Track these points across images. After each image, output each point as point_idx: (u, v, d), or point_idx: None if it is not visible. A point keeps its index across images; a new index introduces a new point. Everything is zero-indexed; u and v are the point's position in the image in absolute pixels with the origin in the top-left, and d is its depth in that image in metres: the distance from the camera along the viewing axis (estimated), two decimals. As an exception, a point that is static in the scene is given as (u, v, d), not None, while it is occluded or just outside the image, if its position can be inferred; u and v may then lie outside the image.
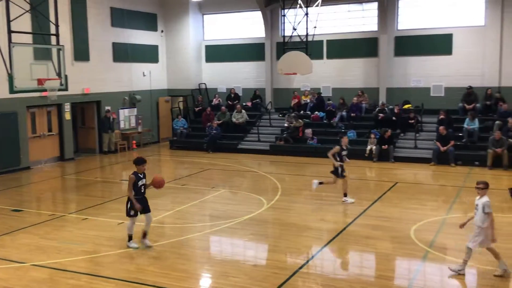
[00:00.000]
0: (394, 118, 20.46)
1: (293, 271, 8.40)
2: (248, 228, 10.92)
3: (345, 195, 13.02)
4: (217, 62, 26.03)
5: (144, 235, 9.59)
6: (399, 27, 22.32)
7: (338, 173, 12.91)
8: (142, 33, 24.37)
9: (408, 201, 13.45)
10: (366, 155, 19.24)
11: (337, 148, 12.98)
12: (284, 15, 22.48)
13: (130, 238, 9.63)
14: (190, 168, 18.49)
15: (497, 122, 18.59)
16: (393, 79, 22.42)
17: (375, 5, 22.46)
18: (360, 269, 8.74)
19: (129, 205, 9.40)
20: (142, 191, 9.47)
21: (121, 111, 23.17)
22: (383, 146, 19.08)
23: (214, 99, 25.46)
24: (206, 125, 23.16)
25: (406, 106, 21.23)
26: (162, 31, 25.69)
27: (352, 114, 21.71)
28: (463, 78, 20.84)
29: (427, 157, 18.54)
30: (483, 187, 8.42)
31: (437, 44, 21.44)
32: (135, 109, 23.90)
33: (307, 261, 8.96)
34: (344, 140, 13.25)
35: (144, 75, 24.52)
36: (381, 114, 20.73)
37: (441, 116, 19.44)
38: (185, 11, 25.47)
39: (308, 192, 14.82)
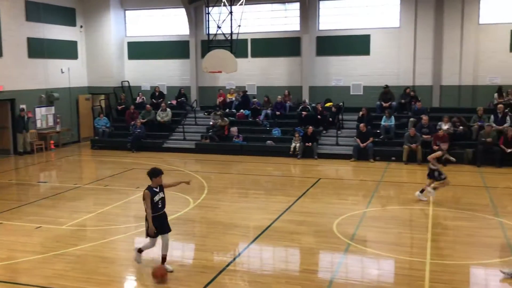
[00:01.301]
0: (319, 116, 21.01)
1: (220, 269, 8.41)
2: (174, 228, 10.74)
3: (422, 191, 12.87)
4: (141, 60, 25.47)
5: (163, 260, 8.28)
6: (321, 28, 22.96)
7: (435, 176, 12.80)
8: (60, 28, 23.31)
9: (331, 196, 13.89)
10: (290, 152, 19.63)
11: (439, 153, 13.27)
12: (208, 13, 22.38)
13: (140, 250, 8.47)
14: (113, 168, 17.96)
15: (411, 119, 19.64)
16: (315, 78, 23.03)
17: (297, 5, 22.95)
18: (285, 264, 8.90)
19: (147, 225, 8.17)
20: (160, 206, 8.21)
21: (37, 109, 22.05)
22: (306, 144, 19.55)
23: (138, 97, 24.89)
24: (129, 124, 22.60)
25: (328, 104, 21.88)
26: (81, 27, 24.72)
27: (277, 113, 22.06)
28: (380, 78, 21.82)
29: (348, 153, 19.23)
30: None
31: (356, 44, 22.28)
32: (53, 107, 22.84)
33: (234, 259, 9.01)
34: (443, 146, 14.95)
35: (62, 72, 23.48)
36: (304, 112, 21.23)
37: (362, 113, 20.22)
38: (105, 6, 24.66)
39: (235, 190, 14.91)
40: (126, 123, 23.06)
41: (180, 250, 9.70)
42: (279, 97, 22.44)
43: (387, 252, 9.15)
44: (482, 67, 20.82)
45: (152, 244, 8.36)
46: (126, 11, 25.65)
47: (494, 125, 18.18)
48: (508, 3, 20.38)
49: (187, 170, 17.58)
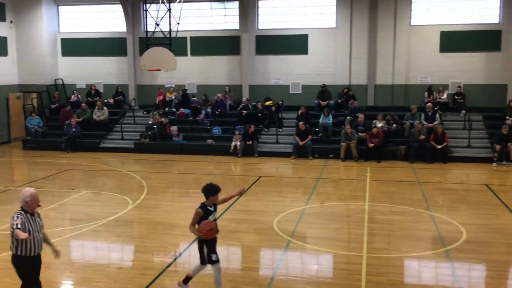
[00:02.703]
0: (260, 114, 21.15)
1: (160, 270, 8.30)
2: (113, 230, 10.54)
3: None
4: (75, 57, 24.64)
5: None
6: (260, 27, 23.12)
7: None
8: (-13, 22, 22.16)
9: (271, 194, 14.04)
10: (231, 151, 19.66)
11: None
12: (146, 10, 22.00)
13: (188, 279, 7.41)
14: (47, 170, 17.27)
15: (348, 117, 20.19)
16: (255, 77, 23.18)
17: (236, 4, 22.99)
18: (227, 263, 8.91)
19: (206, 250, 7.06)
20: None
21: (-37, 108, 20.85)
22: (247, 142, 19.64)
23: (73, 96, 24.06)
24: (64, 123, 21.82)
25: (267, 103, 22.09)
26: (11, 22, 23.57)
27: (218, 110, 22.01)
28: (318, 77, 22.27)
29: (288, 151, 19.50)
30: None
31: (294, 44, 22.62)
32: (-19, 106, 21.68)
33: (175, 259, 8.92)
34: None
35: (-10, 69, 22.33)
36: (244, 111, 21.32)
37: (301, 111, 20.56)
38: (37, 1, 23.65)
39: (176, 190, 14.77)
40: (60, 122, 22.24)
41: (118, 253, 9.49)
42: (219, 95, 22.42)
43: (326, 248, 9.37)
44: (413, 67, 21.73)
45: (218, 270, 7.21)
46: (60, 6, 24.73)
47: (424, 122, 19.02)
48: (438, 6, 21.37)
49: (126, 170, 17.20)
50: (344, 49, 22.11)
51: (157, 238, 10.00)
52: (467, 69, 21.16)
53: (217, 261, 7.11)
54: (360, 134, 18.97)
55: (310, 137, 19.35)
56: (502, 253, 9.08)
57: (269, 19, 23.04)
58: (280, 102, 21.83)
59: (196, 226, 7.00)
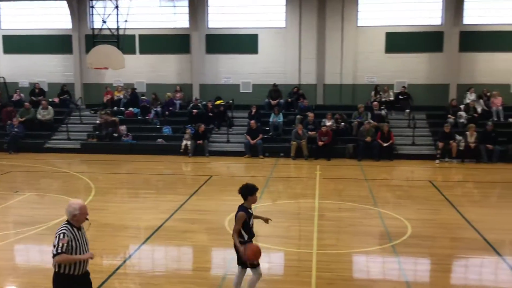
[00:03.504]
0: (210, 113, 21.06)
1: (109, 273, 8.11)
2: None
3: None
4: (18, 54, 23.74)
5: None
6: (210, 26, 23.03)
7: None
8: None
9: (223, 193, 14.00)
10: (181, 150, 19.49)
11: None
12: (92, 7, 21.47)
13: None
14: (-12, 172, 16.55)
15: (298, 116, 20.45)
16: (205, 76, 23.08)
17: (185, 2, 22.80)
18: (178, 264, 8.83)
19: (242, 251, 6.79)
20: (253, 231, 6.94)
21: None
22: (198, 141, 19.52)
23: (15, 95, 23.18)
24: (6, 123, 20.95)
25: (218, 102, 22.04)
26: None
27: (169, 110, 21.77)
28: (269, 76, 22.44)
29: (240, 150, 19.53)
30: None
31: (244, 43, 22.68)
32: None
33: (124, 261, 8.74)
34: None
35: None
36: (195, 110, 21.18)
37: (253, 110, 20.62)
38: (-24, -5, 22.64)
39: (124, 191, 14.49)
40: (2, 122, 21.35)
41: (65, 256, 9.18)
42: (169, 94, 22.17)
43: (277, 245, 9.44)
44: (360, 67, 22.26)
45: (243, 275, 7.00)
46: (1, 2, 23.72)
47: (371, 121, 19.52)
48: (383, 8, 21.97)
49: (72, 171, 16.72)
50: (294, 48, 22.36)
51: (106, 240, 9.76)
52: (411, 69, 21.90)
53: (257, 264, 6.79)
54: (310, 132, 19.25)
55: (261, 136, 19.45)
56: (445, 247, 9.45)
57: (219, 18, 22.99)
58: (231, 101, 21.83)
59: (242, 246, 6.72)
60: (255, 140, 19.29)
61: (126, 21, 20.79)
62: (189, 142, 19.57)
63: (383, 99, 21.10)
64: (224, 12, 22.94)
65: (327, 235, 10.16)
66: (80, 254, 5.49)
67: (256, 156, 19.20)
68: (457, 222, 10.94)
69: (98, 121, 21.17)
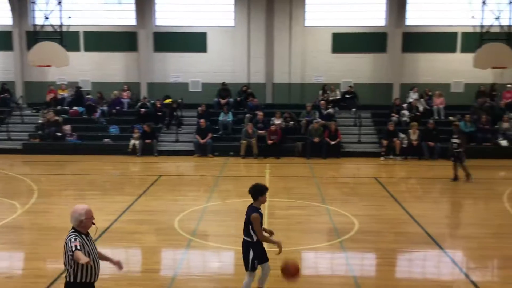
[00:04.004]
0: (159, 112, 20.78)
1: (54, 277, 7.86)
2: (0, 237, 9.80)
3: None
4: (-47, 50, 22.55)
5: None
6: (157, 23, 22.71)
7: None
8: None
9: (172, 193, 13.88)
10: (129, 150, 19.14)
11: None
12: (33, 2, 20.70)
13: None
14: None
15: (247, 115, 20.51)
16: (153, 74, 22.75)
17: (132, -1, 22.40)
18: (126, 266, 8.61)
19: (252, 255, 6.73)
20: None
21: None
22: (146, 141, 19.22)
23: (-49, 93, 22.01)
24: None
25: (167, 101, 21.78)
26: None
27: (117, 108, 21.31)
28: (218, 75, 22.38)
29: (189, 149, 19.39)
30: None
31: (193, 41, 22.52)
32: None
33: (70, 265, 8.48)
34: None
35: None
36: (143, 109, 20.84)
37: (202, 109, 20.50)
38: None
39: (70, 192, 14.09)
40: None
41: (7, 261, 8.85)
42: (116, 92, 21.72)
43: (227, 245, 9.45)
44: (308, 67, 22.59)
45: (253, 279, 6.90)
46: None
47: (320, 120, 19.86)
48: (329, 9, 22.37)
49: (13, 173, 16.06)
50: (243, 47, 22.41)
51: (50, 244, 9.45)
52: (357, 69, 22.44)
53: (255, 269, 6.82)
54: (259, 131, 19.35)
55: (210, 135, 19.38)
56: (390, 242, 9.75)
57: (167, 15, 22.71)
58: (180, 100, 21.62)
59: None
60: (204, 139, 19.20)
61: (69, 17, 20.18)
62: (137, 142, 19.23)
63: (330, 98, 21.51)
64: (172, 10, 22.67)
65: (276, 233, 10.14)
66: (93, 261, 5.20)
67: (205, 155, 19.12)
68: (401, 217, 11.32)
69: (40, 121, 20.43)
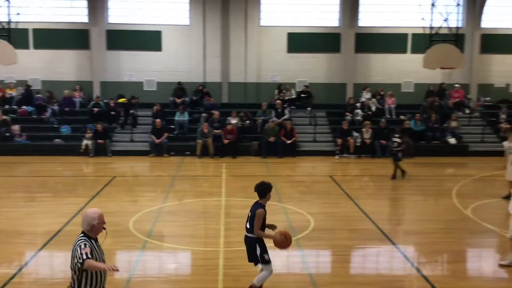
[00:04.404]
0: (113, 112, 20.38)
1: (3, 283, 7.58)
2: None
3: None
4: None
5: None
6: (110, 21, 22.26)
7: None
8: None
9: (127, 194, 13.66)
10: (81, 150, 18.68)
11: None
12: (-21, -3, 19.86)
13: None
14: None
15: (203, 114, 20.41)
16: (107, 73, 22.29)
17: (84, -4, 21.85)
18: (79, 269, 8.45)
19: (259, 250, 6.89)
20: (264, 228, 6.97)
21: None
22: (99, 141, 18.81)
23: None
24: None
25: (120, 100, 21.39)
26: None
27: (68, 107, 20.75)
28: (173, 74, 22.16)
29: (145, 149, 19.11)
30: None
31: (148, 40, 22.21)
32: None
33: (20, 269, 8.21)
34: None
35: None
36: (96, 108, 20.38)
37: (156, 109, 20.25)
38: None
39: (19, 194, 13.64)
40: None
41: (-49, 268, 8.45)
42: (67, 91, 21.15)
43: (183, 245, 9.38)
44: (264, 66, 22.71)
45: (271, 270, 7.02)
46: None
47: (275, 119, 20.00)
48: (284, 9, 22.55)
49: (-42, 175, 15.38)
50: (198, 46, 22.28)
51: (-1, 248, 9.12)
52: (312, 68, 22.73)
53: (270, 261, 6.95)
54: (215, 131, 19.30)
55: (166, 134, 19.17)
56: (344, 239, 9.93)
57: (120, 13, 22.29)
58: (136, 99, 21.25)
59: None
60: (160, 139, 18.98)
61: (18, 14, 19.49)
62: (89, 142, 18.79)
63: (286, 98, 21.69)
64: (126, 7, 22.28)
65: (233, 232, 10.26)
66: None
67: (161, 155, 18.90)
68: (355, 214, 11.55)
69: (-13, 121, 19.65)
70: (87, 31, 21.98)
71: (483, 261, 9.10)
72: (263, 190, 6.99)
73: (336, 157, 19.03)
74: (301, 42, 22.57)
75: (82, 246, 4.90)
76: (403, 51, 22.75)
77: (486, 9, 22.33)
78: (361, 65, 22.89)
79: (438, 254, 9.22)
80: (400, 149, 15.01)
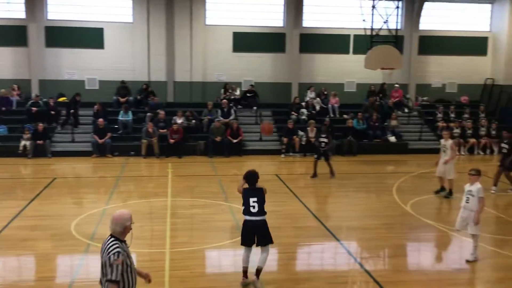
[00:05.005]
0: (53, 111, 19.68)
1: None
2: None
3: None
4: None
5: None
6: (49, 17, 21.49)
7: None
8: None
9: (68, 196, 13.25)
10: (20, 151, 17.94)
11: None
12: None
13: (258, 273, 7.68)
14: None
15: (148, 114, 20.09)
16: (46, 71, 21.51)
17: (21, -9, 20.97)
18: (18, 275, 8.12)
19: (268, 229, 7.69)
20: None
21: None
22: (38, 141, 18.12)
23: None
24: None
25: (61, 99, 20.69)
26: None
27: (3, 108, 19.86)
28: (116, 72, 21.67)
29: (87, 150, 18.58)
30: (475, 174, 8.61)
31: (89, 37, 21.61)
32: None
33: (-48, 278, 7.79)
34: None
35: None
36: (34, 108, 19.62)
37: (98, 108, 19.72)
38: None
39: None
40: None
41: None
42: (3, 90, 20.24)
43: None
44: (210, 65, 22.62)
45: (249, 253, 7.73)
46: None
47: (221, 118, 19.97)
48: (230, 8, 22.55)
49: None
50: (143, 45, 21.90)
51: None
52: (258, 68, 22.88)
53: (267, 243, 7.65)
54: (161, 130, 19.05)
55: (109, 134, 18.73)
56: (290, 236, 10.06)
57: (60, 9, 21.55)
58: (79, 95, 20.58)
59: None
60: (103, 139, 18.51)
61: None
62: (28, 143, 18.06)
63: (232, 97, 21.70)
64: (65, 3, 21.55)
65: (180, 233, 10.18)
66: (132, 272, 4.90)
67: (104, 156, 18.45)
68: (301, 212, 11.73)
69: None
70: (24, 28, 21.10)
71: (422, 255, 9.47)
72: (254, 178, 7.61)
73: (282, 155, 19.24)
74: (247, 41, 22.65)
75: (115, 257, 4.76)
76: (346, 51, 23.30)
77: (424, 12, 23.25)
78: (305, 65, 23.25)
79: (380, 249, 9.52)
80: (327, 148, 15.44)
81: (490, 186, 13.52)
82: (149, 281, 5.41)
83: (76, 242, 9.41)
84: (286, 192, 13.67)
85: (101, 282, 4.96)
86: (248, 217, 7.49)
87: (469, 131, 20.87)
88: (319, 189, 14.83)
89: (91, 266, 8.47)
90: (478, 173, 8.67)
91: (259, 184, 7.67)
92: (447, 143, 13.06)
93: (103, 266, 4.81)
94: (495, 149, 20.18)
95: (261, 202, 7.45)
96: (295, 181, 15.32)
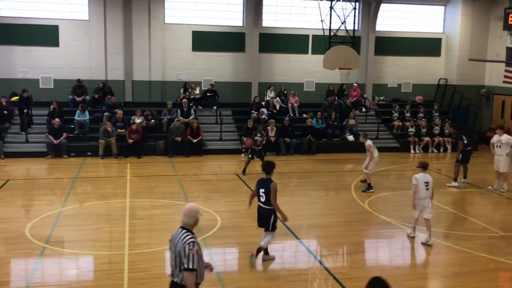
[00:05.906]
0: (5, 111, 19.00)
1: None
2: None
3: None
4: None
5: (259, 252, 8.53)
6: (1, 14, 20.74)
7: None
8: None
9: (22, 198, 12.86)
10: (-30, 153, 17.26)
11: None
12: None
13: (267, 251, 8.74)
14: None
15: (106, 113, 19.70)
16: (-3, 69, 20.77)
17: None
18: (-31, 282, 7.82)
19: (273, 218, 8.48)
20: None
21: None
22: (-10, 142, 17.50)
23: None
24: None
25: (14, 98, 20.02)
26: None
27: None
28: (72, 71, 21.13)
29: (41, 150, 18.05)
30: (419, 166, 9.69)
31: (43, 35, 20.96)
32: None
33: None
34: None
35: None
36: (-15, 107, 18.93)
37: (53, 107, 19.18)
38: None
39: None
40: None
41: None
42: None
43: (85, 250, 9.01)
44: (169, 64, 22.37)
45: (274, 236, 8.64)
46: None
47: (181, 118, 19.80)
48: (189, 7, 22.38)
49: None
50: (99, 43, 21.43)
51: None
52: (217, 67, 22.79)
53: (276, 228, 8.59)
54: (119, 130, 18.71)
55: (65, 134, 18.27)
56: (251, 235, 10.06)
57: (12, 5, 20.83)
58: (25, 92, 19.93)
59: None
60: (58, 140, 18.03)
61: None
62: (-21, 144, 17.41)
63: (192, 96, 21.55)
64: (18, 0, 20.85)
65: (139, 234, 10.04)
66: (202, 261, 5.28)
67: (60, 156, 17.97)
68: (261, 211, 11.76)
69: None
70: (-26, 24, 20.31)
71: (379, 251, 9.69)
72: (271, 168, 8.63)
73: (242, 155, 19.25)
74: (206, 40, 22.53)
75: (190, 246, 5.02)
76: (305, 51, 23.53)
77: (380, 13, 23.74)
78: (265, 64, 23.35)
79: (339, 246, 9.68)
80: (262, 146, 15.73)
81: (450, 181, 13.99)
82: (211, 269, 5.72)
83: (31, 246, 9.14)
84: (246, 191, 13.67)
85: (172, 274, 5.29)
86: (259, 204, 8.55)
87: (424, 130, 21.48)
88: (279, 188, 14.89)
89: (47, 269, 8.26)
90: (421, 165, 9.72)
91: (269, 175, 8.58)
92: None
93: (176, 257, 5.12)
94: (449, 147, 20.88)
95: (267, 193, 8.37)
96: (255, 180, 15.28)
